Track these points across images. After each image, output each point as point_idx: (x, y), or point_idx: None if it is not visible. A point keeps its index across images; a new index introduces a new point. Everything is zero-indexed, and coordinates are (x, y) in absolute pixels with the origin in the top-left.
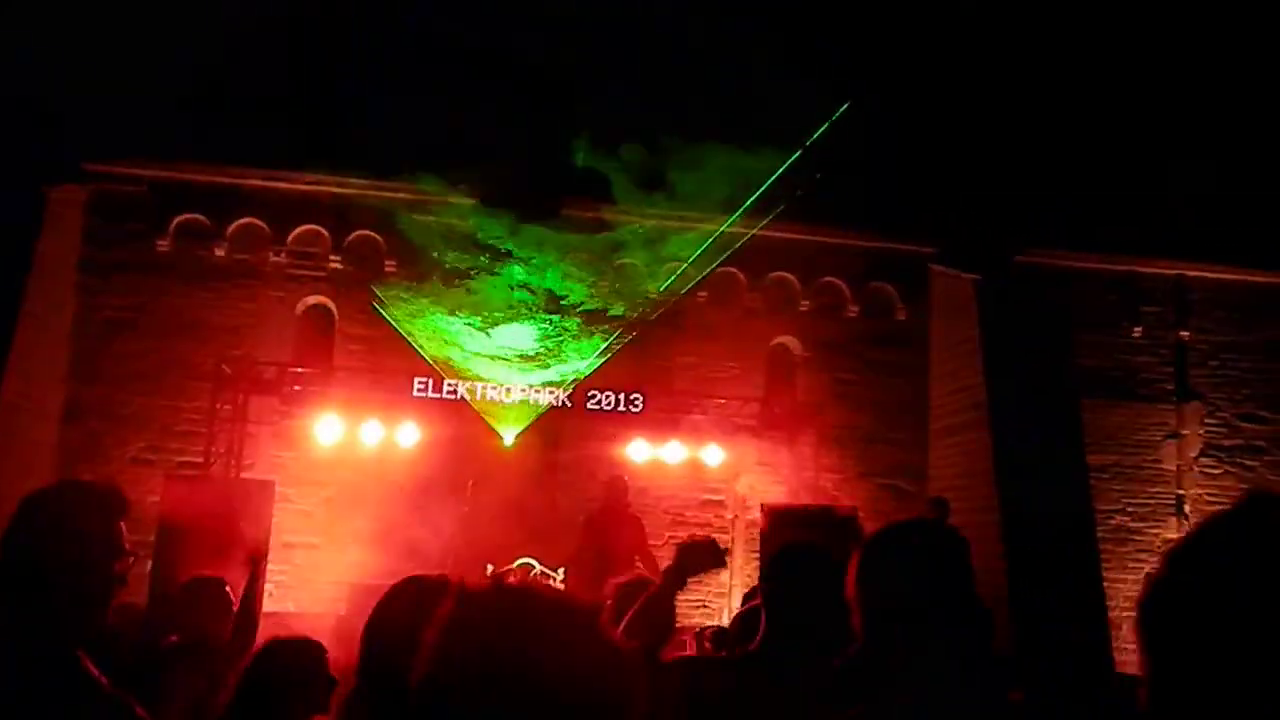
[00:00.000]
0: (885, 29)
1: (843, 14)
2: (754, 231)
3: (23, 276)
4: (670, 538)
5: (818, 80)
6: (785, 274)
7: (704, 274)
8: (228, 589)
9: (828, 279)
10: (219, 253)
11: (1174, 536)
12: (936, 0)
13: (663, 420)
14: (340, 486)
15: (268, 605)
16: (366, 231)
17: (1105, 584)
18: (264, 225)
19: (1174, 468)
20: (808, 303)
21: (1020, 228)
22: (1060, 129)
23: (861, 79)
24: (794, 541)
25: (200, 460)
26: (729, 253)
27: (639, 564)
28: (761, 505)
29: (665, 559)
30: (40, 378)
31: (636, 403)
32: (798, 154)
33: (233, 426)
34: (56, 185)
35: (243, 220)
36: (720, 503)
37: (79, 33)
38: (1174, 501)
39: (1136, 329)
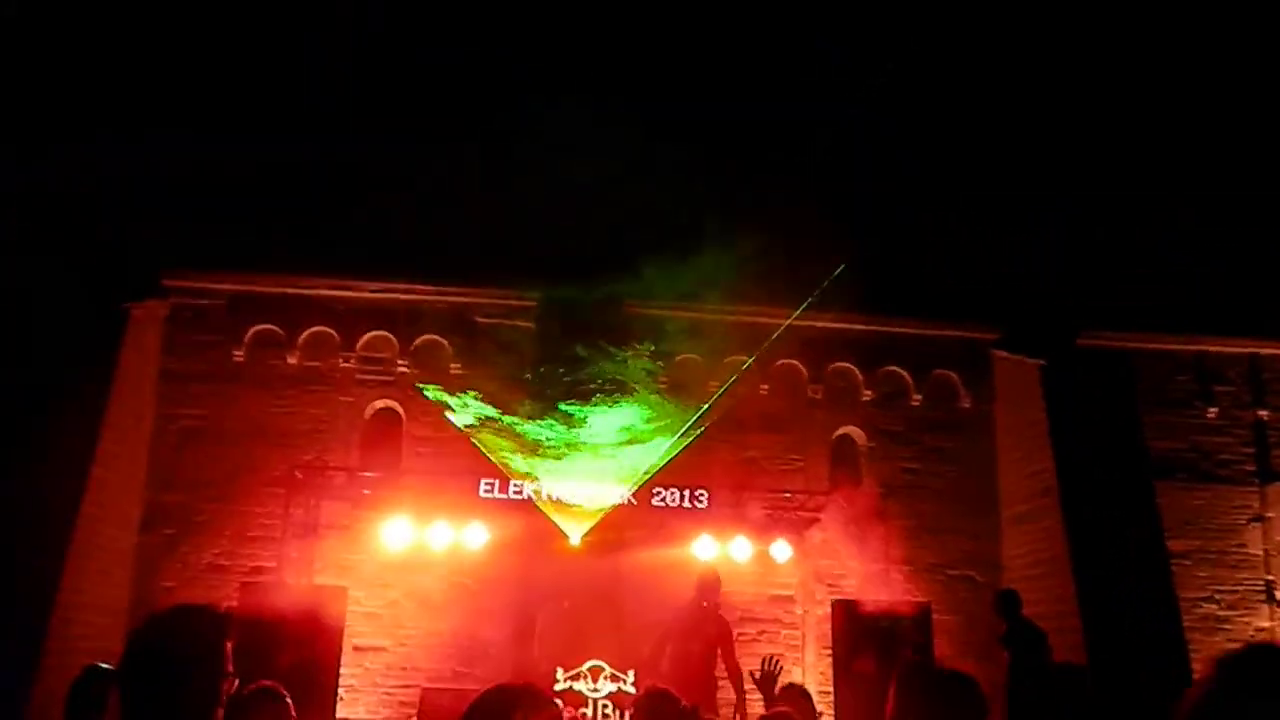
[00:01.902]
0: (937, 113)
1: (898, 97)
2: (787, 318)
3: (105, 390)
4: (739, 635)
5: (874, 167)
6: (846, 364)
7: (764, 366)
8: (288, 701)
9: (889, 368)
10: (290, 360)
11: (1266, 625)
12: (988, 85)
13: (728, 515)
14: (409, 589)
15: (340, 710)
16: (433, 335)
17: (1195, 675)
18: (333, 332)
19: (1260, 552)
20: (870, 392)
21: (1082, 310)
22: (1119, 210)
23: (917, 165)
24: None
25: (273, 565)
26: (776, 342)
27: (722, 668)
28: (832, 601)
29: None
30: (120, 487)
31: (701, 498)
32: (857, 245)
33: (304, 531)
34: (138, 301)
35: (313, 328)
36: (789, 598)
37: (155, 151)
38: (1263, 587)
39: (1211, 409)
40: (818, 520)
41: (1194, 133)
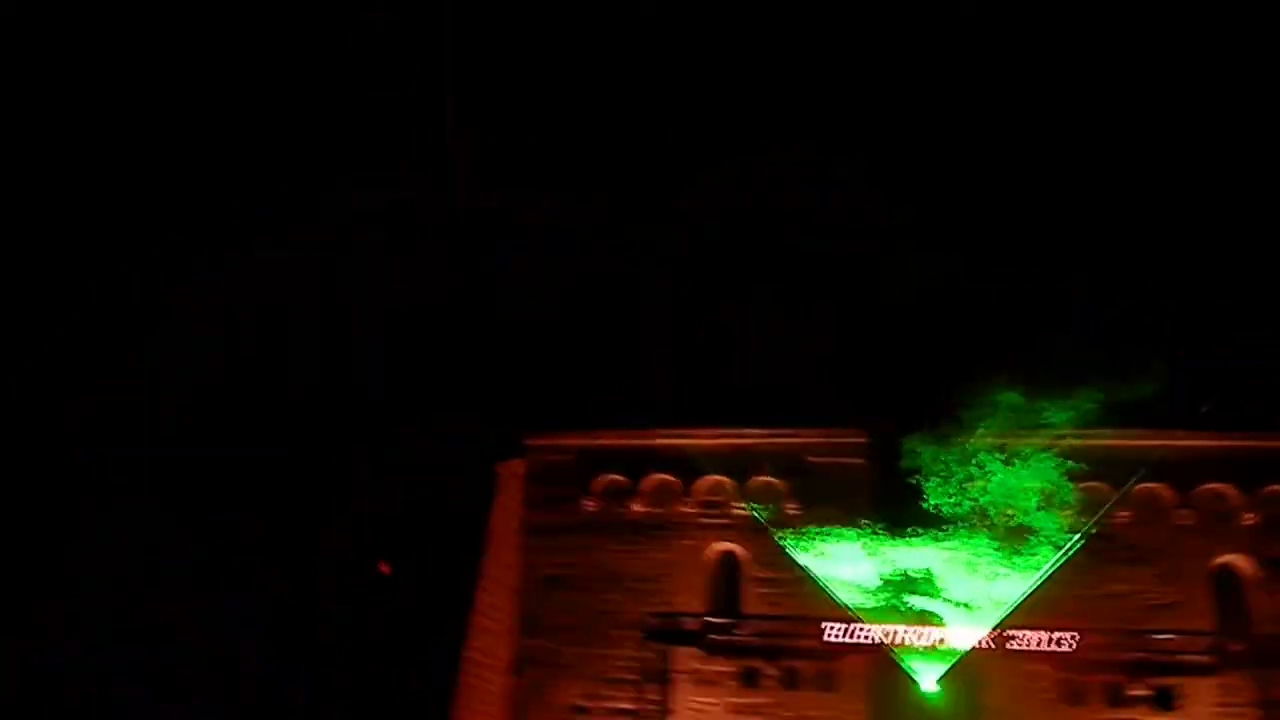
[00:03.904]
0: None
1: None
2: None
3: (480, 544)
4: None
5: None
6: (1219, 485)
7: (1123, 492)
8: None
9: (1271, 487)
10: (636, 508)
11: None
12: None
13: (1096, 660)
14: None
15: None
16: (767, 478)
17: None
18: (673, 479)
19: None
20: (1252, 515)
21: None
22: None
23: None
24: None
25: (630, 708)
26: (1135, 464)
27: None
28: None
29: None
30: (494, 633)
31: (1065, 641)
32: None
33: (657, 676)
34: (504, 461)
35: (655, 476)
36: None
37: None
38: None
39: None
40: (1204, 664)
41: None
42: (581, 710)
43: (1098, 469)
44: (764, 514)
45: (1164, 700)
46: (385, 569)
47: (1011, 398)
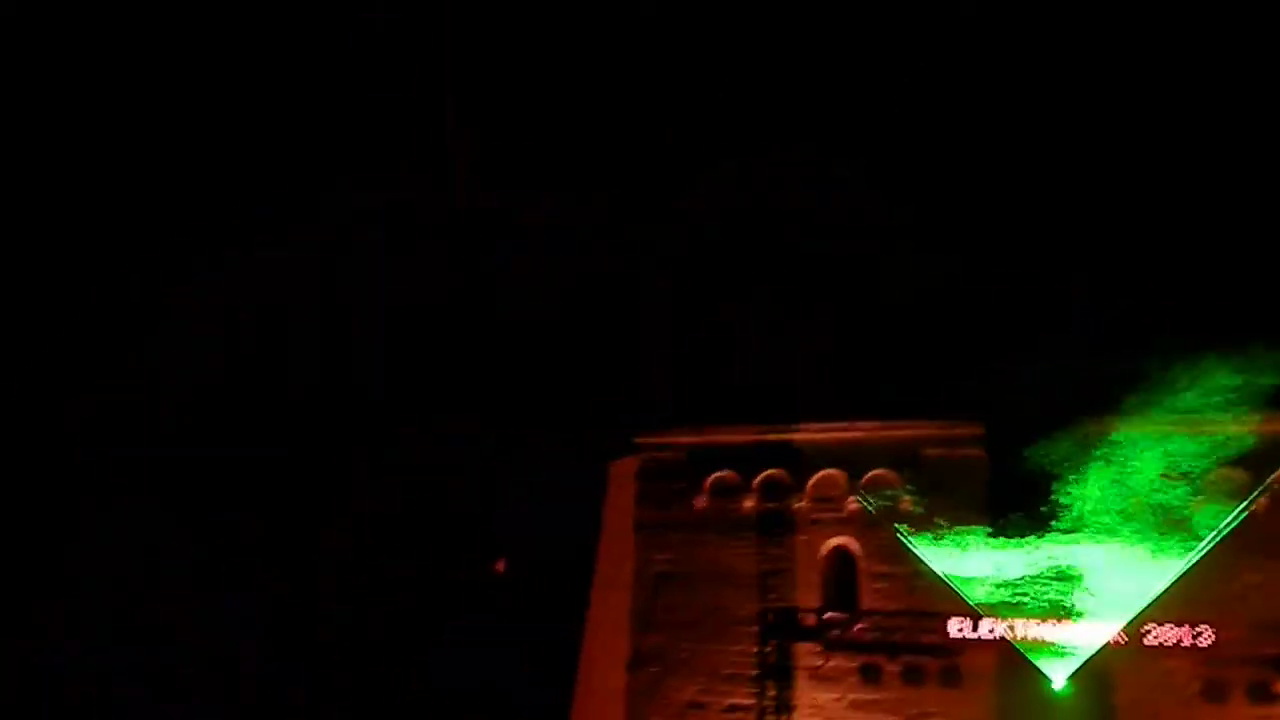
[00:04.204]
0: None
1: None
2: None
3: (594, 542)
4: None
5: None
6: None
7: (1270, 481)
8: None
9: None
10: (748, 504)
11: None
12: None
13: (1238, 656)
14: None
15: None
16: (882, 471)
17: None
18: (785, 475)
19: None
20: None
21: None
22: None
23: None
24: None
25: (750, 703)
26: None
27: None
28: None
29: None
30: (609, 629)
31: (1203, 636)
32: None
33: (777, 672)
34: (616, 459)
35: (767, 472)
36: None
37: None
38: None
39: None
40: None
41: None
42: (699, 706)
43: (1237, 456)
44: (879, 507)
45: None
46: (500, 568)
47: (1150, 383)
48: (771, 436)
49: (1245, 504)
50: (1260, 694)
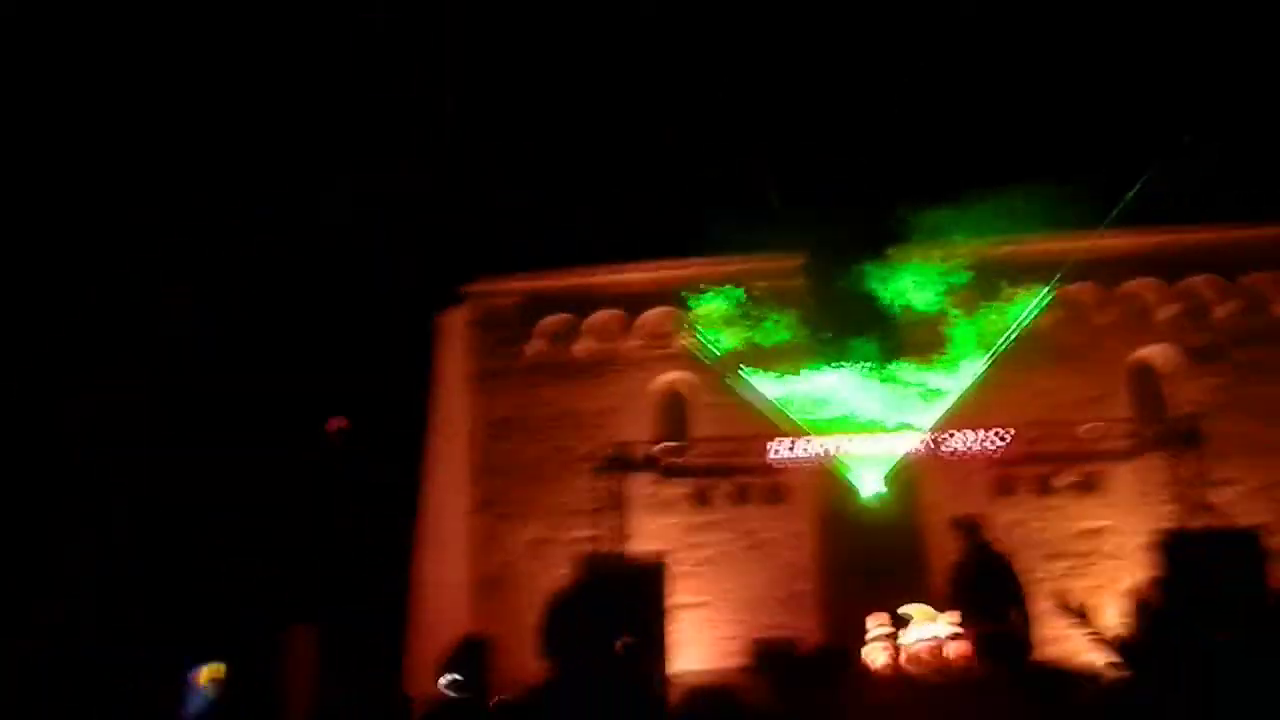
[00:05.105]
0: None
1: None
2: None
3: (425, 394)
4: (1045, 573)
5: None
6: (1140, 279)
7: (1045, 296)
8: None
9: (1190, 279)
10: (580, 347)
11: None
12: None
13: (1027, 454)
14: (716, 548)
15: (675, 663)
16: (710, 306)
17: None
18: (618, 315)
19: None
20: (1169, 309)
21: None
22: None
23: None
24: None
25: (589, 536)
26: (1058, 266)
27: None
28: (1152, 530)
29: (1042, 595)
30: (449, 481)
31: (997, 440)
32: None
33: (615, 504)
34: (443, 311)
35: (598, 313)
36: (1098, 531)
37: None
38: None
39: None
40: (1123, 450)
41: None
42: (543, 541)
43: (1022, 273)
44: (708, 341)
45: (1087, 486)
46: (338, 426)
47: (937, 211)
48: (602, 278)
49: (1024, 317)
50: (1044, 487)
